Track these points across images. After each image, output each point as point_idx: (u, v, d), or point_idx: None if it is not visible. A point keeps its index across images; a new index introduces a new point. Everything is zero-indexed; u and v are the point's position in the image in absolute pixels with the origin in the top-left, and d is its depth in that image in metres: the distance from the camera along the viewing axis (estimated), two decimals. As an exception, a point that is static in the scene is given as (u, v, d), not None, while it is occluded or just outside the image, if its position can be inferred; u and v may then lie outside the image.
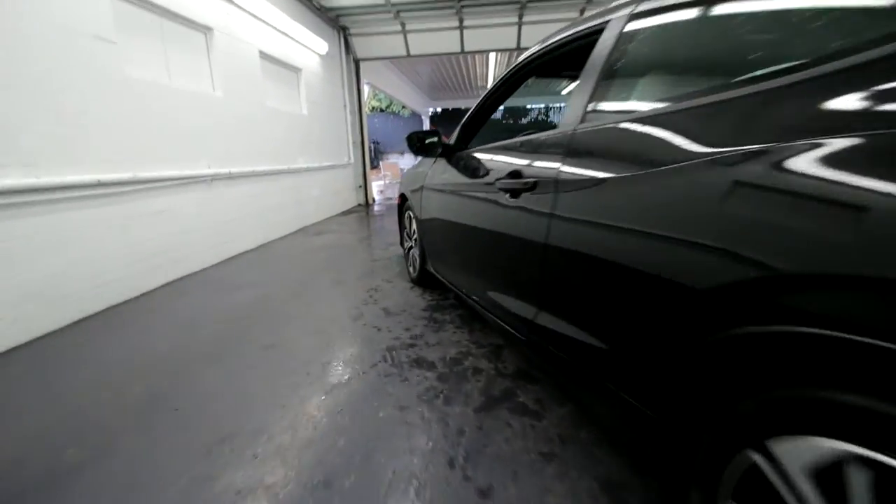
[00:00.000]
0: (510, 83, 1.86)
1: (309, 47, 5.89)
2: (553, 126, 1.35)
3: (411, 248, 3.05)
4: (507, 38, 7.21)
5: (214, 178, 3.81)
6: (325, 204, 6.51)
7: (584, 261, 1.06)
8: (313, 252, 4.24)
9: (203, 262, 3.69)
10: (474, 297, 1.92)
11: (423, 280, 2.89)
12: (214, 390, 1.74)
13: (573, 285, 1.14)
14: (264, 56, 4.87)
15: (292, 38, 5.43)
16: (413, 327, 2.30)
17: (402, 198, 3.08)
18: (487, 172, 1.69)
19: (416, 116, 19.58)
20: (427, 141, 2.24)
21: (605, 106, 1.14)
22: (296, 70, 5.73)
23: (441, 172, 2.26)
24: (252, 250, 4.37)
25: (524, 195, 1.34)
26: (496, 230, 1.57)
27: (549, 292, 1.27)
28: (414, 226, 2.85)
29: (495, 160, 1.66)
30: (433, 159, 2.46)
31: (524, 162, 1.40)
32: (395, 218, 6.52)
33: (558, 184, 1.17)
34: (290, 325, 2.38)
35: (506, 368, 1.84)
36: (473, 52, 7.61)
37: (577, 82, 1.26)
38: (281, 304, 2.74)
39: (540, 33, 7.07)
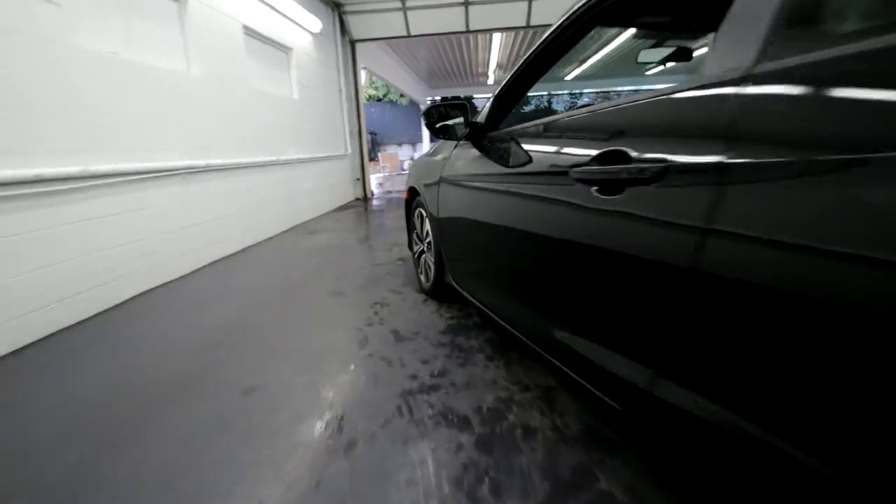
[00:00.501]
0: (566, 38, 1.34)
1: (300, 24, 5.33)
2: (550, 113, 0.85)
3: (423, 252, 2.54)
4: (516, 15, 6.65)
5: (189, 172, 3.28)
6: (319, 199, 5.98)
7: (818, 316, 0.56)
8: (307, 255, 3.73)
9: (177, 271, 3.18)
10: (523, 332, 1.42)
11: (439, 292, 2.38)
12: (163, 469, 1.24)
13: (787, 356, 0.62)
14: (249, 32, 4.32)
15: (280, 13, 4.86)
16: (433, 359, 1.80)
17: (412, 192, 2.57)
18: (549, 158, 1.18)
19: (414, 106, 18.94)
20: (449, 120, 1.73)
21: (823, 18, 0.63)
22: (285, 49, 5.17)
23: (468, 160, 1.75)
24: (237, 254, 3.86)
25: (632, 189, 0.83)
26: (571, 239, 1.06)
27: (700, 354, 0.75)
28: (427, 227, 2.34)
29: (562, 140, 1.15)
30: (454, 143, 1.95)
31: (626, 139, 0.88)
32: (398, 213, 6.02)
33: (726, 170, 0.65)
34: (276, 357, 1.88)
35: (567, 427, 1.34)
36: (478, 32, 7.04)
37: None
38: (267, 324, 2.24)
39: (552, 9, 6.51)
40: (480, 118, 1.70)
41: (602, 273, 0.95)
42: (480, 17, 6.65)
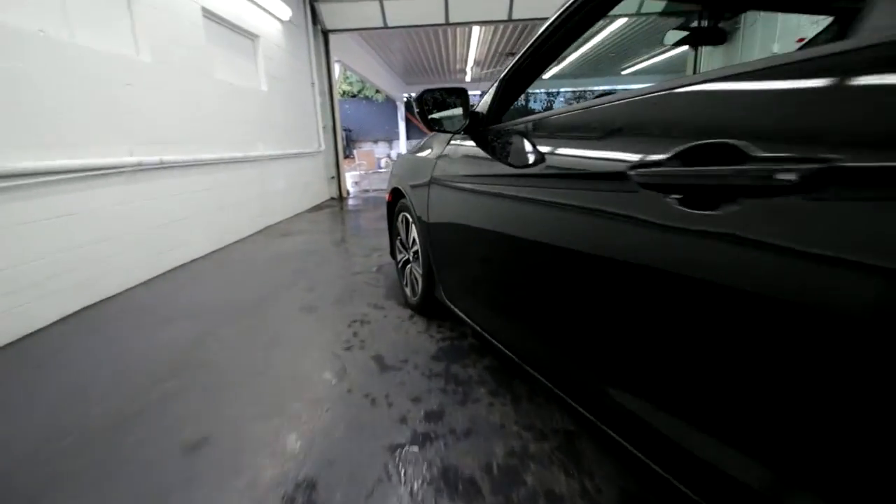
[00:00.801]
0: (595, 4, 1.06)
1: (267, 9, 4.92)
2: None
3: (408, 262, 2.24)
4: (498, 7, 6.39)
5: (139, 169, 2.89)
6: (292, 198, 5.59)
7: None
8: (277, 261, 3.37)
9: (128, 281, 2.78)
10: (543, 372, 1.14)
11: (428, 308, 2.09)
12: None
13: None
14: (209, 15, 3.91)
15: (245, -3, 4.46)
16: (425, 395, 1.50)
17: (395, 194, 2.27)
18: (589, 157, 0.90)
19: (390, 102, 18.51)
20: (444, 111, 1.43)
21: None
22: (251, 37, 4.76)
23: (467, 158, 1.47)
24: (199, 259, 3.46)
25: (753, 202, 0.56)
26: (628, 261, 0.77)
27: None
28: (414, 233, 2.04)
29: (612, 134, 0.86)
30: (446, 138, 1.66)
31: (730, 129, 0.60)
32: (375, 214, 5.66)
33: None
34: (233, 395, 1.55)
35: (600, 492, 1.07)
36: (458, 24, 6.74)
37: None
38: (226, 349, 1.90)
39: (534, 4, 6.28)
40: (481, 108, 1.41)
41: (685, 314, 0.68)
42: (460, 9, 6.36)
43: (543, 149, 1.05)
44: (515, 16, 6.52)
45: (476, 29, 8.90)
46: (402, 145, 18.51)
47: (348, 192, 7.63)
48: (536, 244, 1.07)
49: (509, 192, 1.17)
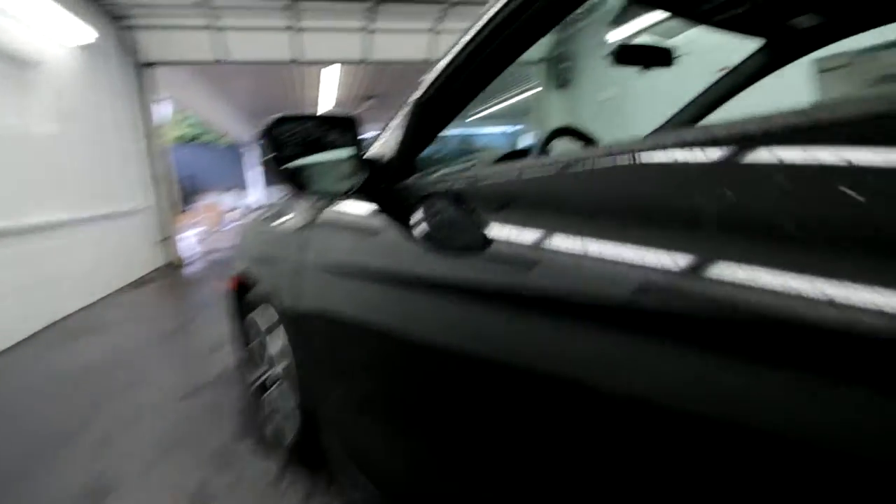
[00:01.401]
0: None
1: (49, 31, 3.72)
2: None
3: (265, 385, 1.47)
4: (351, 47, 5.97)
5: None
6: (99, 275, 4.20)
7: None
8: (59, 385, 2.21)
9: None
10: None
11: (305, 456, 1.34)
12: None
13: None
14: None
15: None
16: None
17: (240, 283, 1.50)
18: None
19: (234, 149, 16.76)
20: (314, 154, 0.79)
21: None
22: (27, 65, 3.49)
23: (361, 232, 0.83)
24: None
25: None
26: None
27: None
28: (278, 342, 1.30)
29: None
30: (319, 199, 1.01)
31: None
32: (222, 285, 4.42)
33: None
34: None
35: None
36: (307, 63, 6.13)
37: None
38: None
39: (392, 44, 6.02)
40: (381, 152, 0.81)
41: None
42: (311, 47, 5.78)
43: (560, 239, 0.48)
44: (375, 56, 6.16)
45: (332, 69, 8.36)
46: (255, 196, 16.73)
47: (182, 260, 6.14)
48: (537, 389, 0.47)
49: (456, 295, 0.57)
